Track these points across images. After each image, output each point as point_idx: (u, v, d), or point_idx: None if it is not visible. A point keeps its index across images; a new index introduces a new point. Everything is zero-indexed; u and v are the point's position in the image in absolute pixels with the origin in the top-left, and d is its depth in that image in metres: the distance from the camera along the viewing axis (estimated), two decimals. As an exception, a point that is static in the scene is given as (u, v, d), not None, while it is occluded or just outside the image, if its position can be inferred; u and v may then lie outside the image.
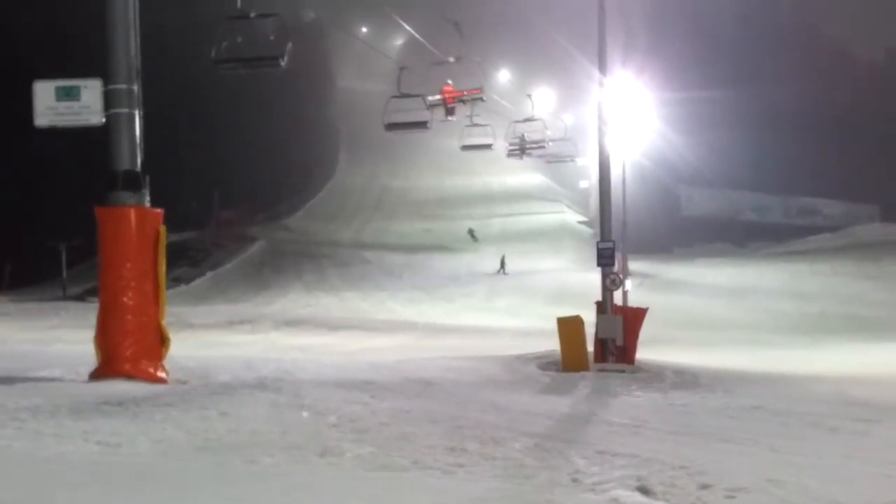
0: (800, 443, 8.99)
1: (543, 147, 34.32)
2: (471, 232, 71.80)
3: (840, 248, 69.70)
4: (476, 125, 30.16)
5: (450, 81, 27.57)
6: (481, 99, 27.90)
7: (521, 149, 33.68)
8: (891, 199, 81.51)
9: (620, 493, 6.18)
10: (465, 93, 27.31)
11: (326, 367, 15.62)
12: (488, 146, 31.19)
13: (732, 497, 6.16)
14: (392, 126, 24.49)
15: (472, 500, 5.91)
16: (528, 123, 32.51)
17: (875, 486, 6.69)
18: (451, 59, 24.73)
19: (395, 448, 7.65)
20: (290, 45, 14.84)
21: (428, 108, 24.01)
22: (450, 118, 28.19)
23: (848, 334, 38.18)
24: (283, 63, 14.80)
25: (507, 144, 32.52)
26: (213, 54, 15.45)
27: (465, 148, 32.41)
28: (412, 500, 5.86)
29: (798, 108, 79.17)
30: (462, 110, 27.91)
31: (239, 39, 15.13)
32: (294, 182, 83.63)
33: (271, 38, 15.16)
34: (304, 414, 9.39)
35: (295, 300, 51.33)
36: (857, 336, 37.10)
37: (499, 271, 60.52)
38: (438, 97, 27.06)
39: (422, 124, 24.30)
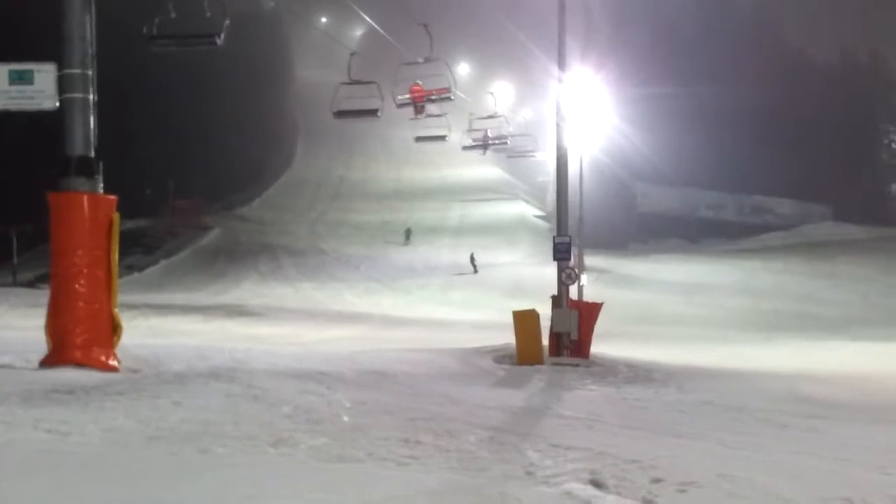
0: (751, 438, 9.09)
1: (506, 143, 34.76)
2: (407, 232, 69.58)
3: (792, 247, 70.60)
4: (431, 116, 30.11)
5: (419, 82, 27.77)
6: (450, 98, 28.17)
7: (484, 145, 34.06)
8: (843, 199, 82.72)
9: (573, 486, 6.20)
10: (433, 93, 27.56)
11: (281, 358, 15.54)
12: (442, 138, 31.12)
13: (684, 491, 6.20)
14: (341, 114, 24.14)
15: (427, 491, 5.90)
16: (489, 119, 32.76)
17: (824, 482, 6.76)
18: (421, 61, 24.88)
19: (350, 439, 7.62)
20: (227, 22, 14.21)
21: (382, 99, 23.66)
22: (419, 117, 28.55)
23: (800, 332, 38.65)
24: (219, 41, 14.09)
25: (469, 138, 32.54)
26: (146, 31, 14.67)
27: (420, 139, 32.39)
28: (366, 492, 5.83)
29: (753, 107, 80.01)
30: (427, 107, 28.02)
31: (174, 15, 14.45)
32: (250, 171, 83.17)
33: (207, 14, 14.43)
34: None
35: (250, 290, 51.06)
36: (809, 334, 37.57)
37: (475, 272, 59.29)
38: (408, 96, 27.33)
39: (372, 112, 23.89)
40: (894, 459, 7.92)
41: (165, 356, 13.39)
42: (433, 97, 28.40)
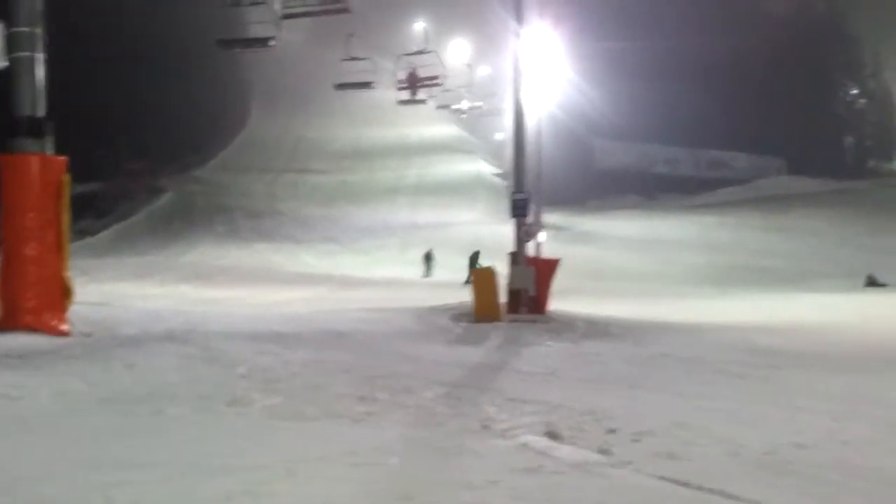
0: (706, 388, 9.16)
1: (480, 107, 36.90)
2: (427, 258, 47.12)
3: (748, 201, 71.28)
4: (354, 59, 29.47)
5: (415, 69, 29.68)
6: (439, 84, 30.35)
7: (460, 111, 36.89)
8: (798, 153, 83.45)
9: (529, 438, 6.23)
10: (426, 80, 29.94)
11: (237, 319, 15.45)
12: (368, 85, 30.42)
13: (638, 440, 6.25)
14: (225, 43, 22.18)
15: (383, 446, 5.89)
16: (461, 88, 34.95)
17: (777, 429, 6.84)
18: (416, 52, 26.59)
19: (306, 398, 7.61)
20: None
21: (279, 27, 21.06)
22: (416, 98, 30.73)
23: (755, 285, 39.04)
24: None
25: (406, 94, 32.74)
26: None
27: (341, 87, 31.78)
28: (321, 449, 5.82)
29: (708, 61, 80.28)
30: (339, 42, 29.59)
31: None
32: (205, 132, 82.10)
33: None
34: None
35: (205, 253, 50.72)
36: (765, 287, 37.97)
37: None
38: (405, 82, 29.52)
39: (262, 41, 21.62)
40: (845, 407, 8.02)
41: (119, 320, 13.24)
42: (427, 83, 30.41)
